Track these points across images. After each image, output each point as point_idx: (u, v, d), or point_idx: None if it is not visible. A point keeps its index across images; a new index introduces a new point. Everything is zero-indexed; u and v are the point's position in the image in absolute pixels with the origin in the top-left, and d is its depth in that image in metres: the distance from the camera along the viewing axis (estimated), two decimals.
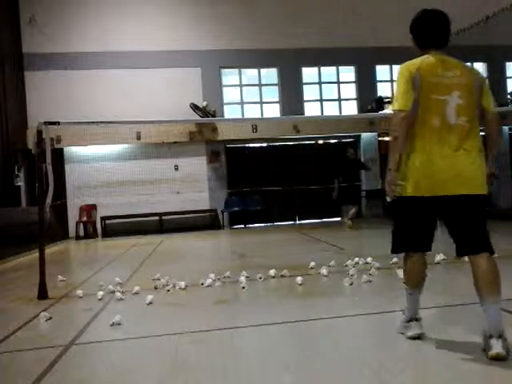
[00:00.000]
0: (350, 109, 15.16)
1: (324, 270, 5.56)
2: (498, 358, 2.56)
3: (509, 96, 15.60)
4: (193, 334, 3.56)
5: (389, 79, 15.39)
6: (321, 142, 15.08)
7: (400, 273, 5.12)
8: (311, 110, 14.95)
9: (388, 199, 2.96)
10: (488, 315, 2.67)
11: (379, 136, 14.77)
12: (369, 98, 14.84)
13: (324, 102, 15.19)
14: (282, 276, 5.55)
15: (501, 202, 14.85)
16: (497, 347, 2.58)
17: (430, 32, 2.96)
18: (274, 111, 14.90)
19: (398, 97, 2.86)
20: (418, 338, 3.01)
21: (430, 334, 3.13)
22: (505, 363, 2.55)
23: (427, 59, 2.90)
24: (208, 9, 14.16)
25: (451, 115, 2.81)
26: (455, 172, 2.78)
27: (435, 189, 2.80)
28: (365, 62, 14.97)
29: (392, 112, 2.90)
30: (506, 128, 15.48)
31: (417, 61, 2.91)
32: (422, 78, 2.82)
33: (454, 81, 2.84)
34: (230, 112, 14.71)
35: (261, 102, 14.96)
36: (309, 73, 15.17)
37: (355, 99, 15.31)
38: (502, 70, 16.01)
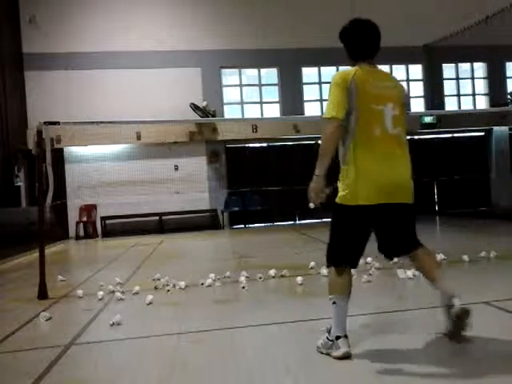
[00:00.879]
0: None
1: (324, 270, 5.54)
2: (463, 312, 2.73)
3: (509, 96, 15.61)
4: (193, 334, 3.56)
5: None
6: (321, 142, 15.05)
7: (400, 272, 5.14)
8: (311, 109, 14.95)
9: (311, 206, 2.88)
10: (444, 289, 2.82)
11: None
12: None
13: (324, 102, 15.19)
14: (282, 276, 5.55)
15: (501, 201, 14.86)
16: (459, 302, 2.75)
17: (362, 43, 2.93)
18: (274, 111, 14.90)
19: (333, 106, 2.81)
20: (348, 357, 2.79)
21: (428, 334, 3.13)
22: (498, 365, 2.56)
23: (361, 69, 2.87)
24: (208, 9, 14.17)
25: (389, 125, 2.84)
26: (396, 180, 2.84)
27: (378, 197, 2.80)
28: None
29: (326, 119, 2.84)
30: (505, 128, 15.50)
31: (351, 71, 2.87)
32: (359, 87, 2.79)
33: (387, 92, 2.88)
34: (230, 112, 14.71)
35: (261, 102, 14.96)
36: (309, 73, 15.18)
37: None
38: (502, 70, 16.01)
